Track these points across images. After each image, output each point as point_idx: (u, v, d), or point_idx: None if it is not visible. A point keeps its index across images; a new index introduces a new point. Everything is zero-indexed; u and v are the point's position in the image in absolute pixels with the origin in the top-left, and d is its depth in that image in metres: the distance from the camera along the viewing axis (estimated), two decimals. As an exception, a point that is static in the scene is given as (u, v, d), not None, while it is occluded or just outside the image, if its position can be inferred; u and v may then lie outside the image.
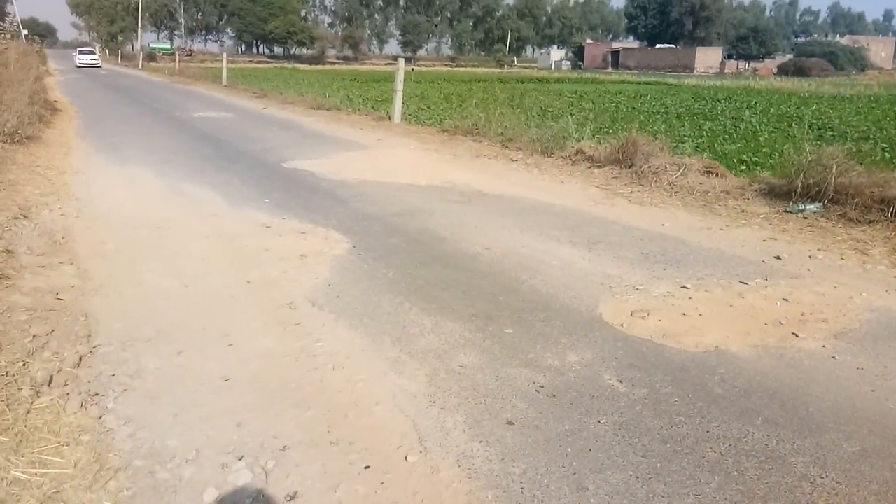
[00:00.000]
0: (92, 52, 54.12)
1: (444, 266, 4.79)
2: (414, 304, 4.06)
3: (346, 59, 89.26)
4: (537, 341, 3.54)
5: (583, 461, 2.49)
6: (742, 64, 70.59)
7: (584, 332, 3.65)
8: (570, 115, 14.62)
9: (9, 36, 14.85)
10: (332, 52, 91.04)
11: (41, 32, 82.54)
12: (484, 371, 3.20)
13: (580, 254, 5.10)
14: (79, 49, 55.76)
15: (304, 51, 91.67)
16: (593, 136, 10.83)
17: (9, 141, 8.71)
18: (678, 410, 2.85)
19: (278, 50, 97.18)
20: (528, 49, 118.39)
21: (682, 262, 4.89)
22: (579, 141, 9.85)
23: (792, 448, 2.57)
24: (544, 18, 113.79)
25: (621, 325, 3.75)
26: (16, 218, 5.53)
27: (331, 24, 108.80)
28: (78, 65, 47.64)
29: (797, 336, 3.60)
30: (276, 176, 8.17)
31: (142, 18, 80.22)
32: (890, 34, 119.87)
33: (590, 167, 8.62)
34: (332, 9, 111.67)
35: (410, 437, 2.66)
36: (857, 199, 5.93)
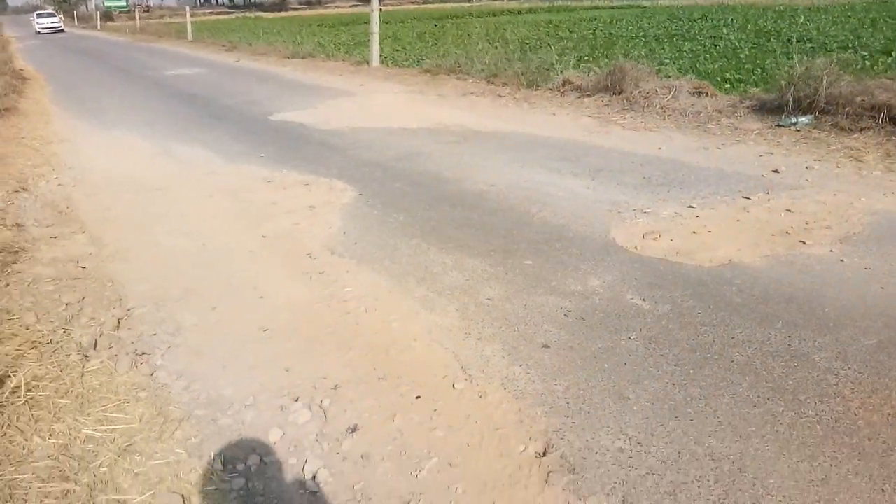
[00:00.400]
0: (52, 15, 48.46)
1: (452, 206, 4.86)
2: (431, 244, 4.15)
3: (309, 4, 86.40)
4: (557, 269, 3.65)
5: (620, 374, 2.64)
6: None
7: (601, 257, 3.78)
8: (550, 45, 14.45)
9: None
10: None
11: (-11, -1, 78.75)
12: (512, 301, 3.32)
13: (584, 183, 5.18)
14: (37, 13, 50.02)
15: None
16: (577, 65, 10.76)
17: (-14, 114, 8.50)
18: (702, 321, 3.00)
19: (238, 0, 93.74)
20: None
21: (685, 183, 5.00)
22: (562, 72, 9.79)
23: (813, 346, 2.73)
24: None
25: (635, 248, 3.88)
26: (16, 191, 5.48)
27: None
28: (38, 30, 43.47)
29: (805, 243, 3.75)
30: (265, 130, 8.09)
31: (92, -24, 76.71)
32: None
33: (579, 97, 8.61)
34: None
35: (453, 367, 2.79)
36: (847, 109, 6.03)
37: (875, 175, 4.86)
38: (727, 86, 8.98)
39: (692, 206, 4.47)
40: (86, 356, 2.95)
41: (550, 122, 7.66)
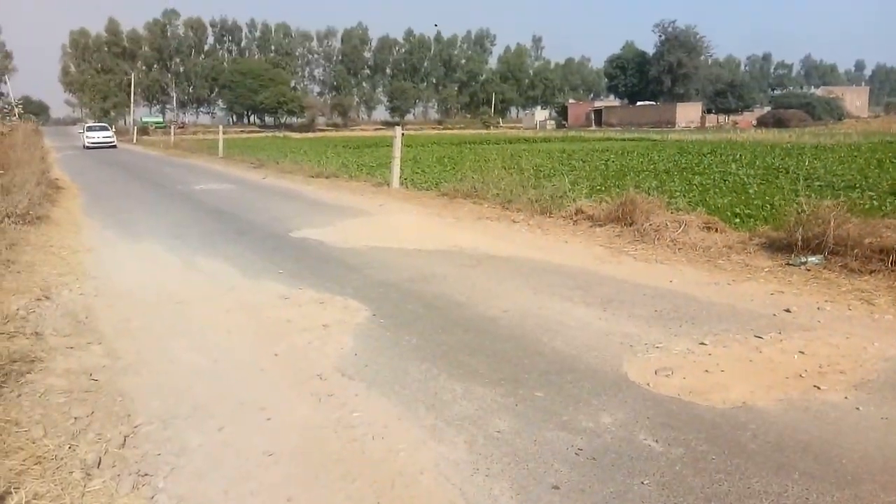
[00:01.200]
0: (105, 129, 43.97)
1: (465, 330, 4.90)
2: (441, 370, 4.15)
3: (336, 126, 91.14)
4: (569, 403, 3.62)
5: (632, 522, 2.55)
6: (722, 118, 72.67)
7: (614, 393, 3.75)
8: (564, 174, 15.02)
9: (11, 117, 15.21)
10: (321, 120, 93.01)
11: (34, 110, 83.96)
12: (521, 435, 3.27)
13: (596, 314, 5.23)
14: (87, 126, 45.38)
15: (295, 119, 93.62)
16: (590, 194, 11.13)
17: (21, 222, 8.85)
18: (717, 468, 2.93)
19: (268, 119, 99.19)
20: (513, 110, 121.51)
21: (696, 319, 5.03)
22: (576, 200, 10.11)
23: (832, 501, 2.64)
24: (527, 81, 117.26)
25: (648, 384, 3.85)
26: (38, 299, 5.61)
27: (320, 93, 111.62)
28: (87, 144, 39.49)
29: (819, 388, 3.71)
30: (286, 246, 8.33)
31: (134, 94, 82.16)
32: (863, 83, 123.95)
33: (591, 226, 8.85)
34: (321, 78, 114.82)
35: (460, 505, 2.71)
36: (856, 250, 6.13)
37: (887, 319, 4.86)
38: (737, 220, 9.21)
39: (704, 343, 4.47)
40: (88, 474, 2.91)
41: (563, 249, 7.84)
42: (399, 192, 13.72)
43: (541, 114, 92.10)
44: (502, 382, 3.93)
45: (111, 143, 41.25)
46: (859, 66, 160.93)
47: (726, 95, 76.63)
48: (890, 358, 4.12)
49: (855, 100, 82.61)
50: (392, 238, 8.71)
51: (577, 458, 3.05)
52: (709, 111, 74.52)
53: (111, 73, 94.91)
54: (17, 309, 5.16)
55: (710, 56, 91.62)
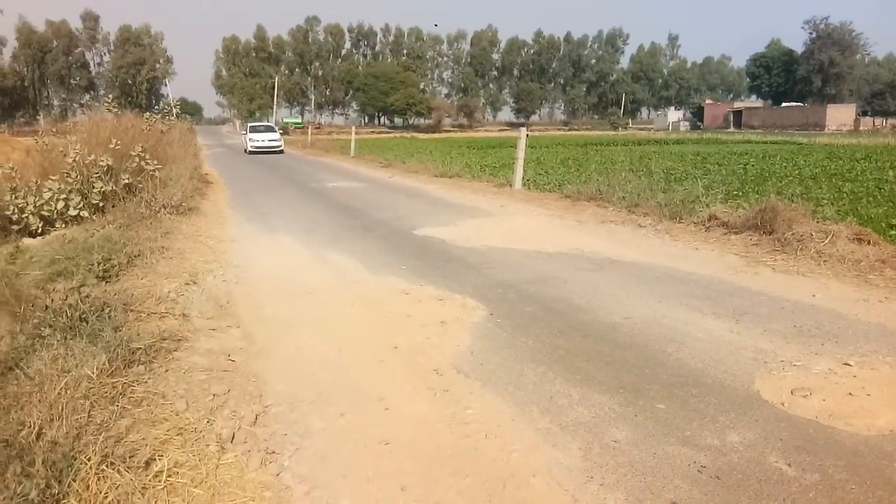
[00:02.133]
0: (272, 130, 36.08)
1: (583, 336, 4.80)
2: (557, 374, 4.09)
3: (461, 127, 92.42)
4: (692, 418, 3.45)
5: (758, 550, 2.38)
6: (879, 120, 65.97)
7: (743, 410, 3.52)
8: (696, 178, 14.29)
9: (170, 117, 16.79)
10: (447, 121, 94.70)
11: (189, 111, 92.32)
12: (640, 447, 3.15)
13: (726, 326, 4.93)
14: (251, 125, 37.78)
15: (422, 120, 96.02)
16: (725, 200, 10.51)
17: (175, 212, 9.75)
18: (857, 499, 2.67)
19: (398, 120, 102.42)
20: (644, 111, 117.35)
21: (841, 337, 4.60)
22: (709, 206, 9.58)
23: None
24: (660, 81, 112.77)
25: (782, 404, 3.58)
26: (186, 284, 6.14)
27: (447, 95, 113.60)
28: (251, 149, 32.65)
29: None
30: (409, 243, 8.56)
31: (277, 96, 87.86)
32: None
33: (725, 234, 8.35)
34: (449, 80, 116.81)
35: (571, 511, 2.66)
36: None
37: None
38: (893, 232, 8.34)
39: (849, 364, 4.08)
40: (223, 448, 3.15)
41: (693, 256, 7.46)
42: (521, 194, 13.67)
43: (674, 115, 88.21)
44: (621, 391, 3.81)
45: (278, 147, 33.24)
46: None
47: (885, 97, 69.56)
48: None
49: None
50: (512, 239, 8.70)
51: (698, 476, 2.89)
52: (864, 113, 67.97)
53: (257, 77, 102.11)
54: (168, 292, 5.69)
55: (868, 54, 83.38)
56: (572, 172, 18.06)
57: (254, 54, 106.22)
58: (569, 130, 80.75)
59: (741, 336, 4.70)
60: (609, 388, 3.86)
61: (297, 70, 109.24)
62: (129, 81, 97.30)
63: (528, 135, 15.68)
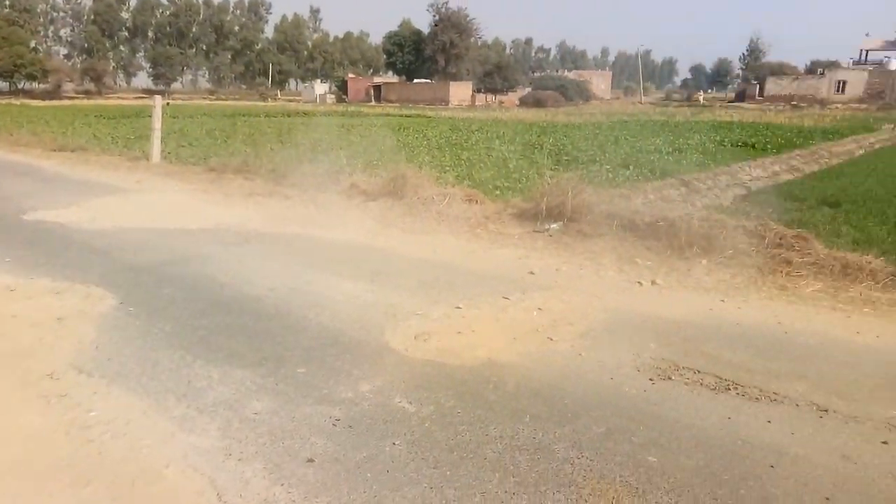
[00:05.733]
0: None
1: (226, 312, 4.69)
2: (197, 356, 3.93)
3: (88, 94, 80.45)
4: (330, 376, 3.66)
5: (382, 483, 2.66)
6: (490, 97, 77.68)
7: (374, 361, 3.86)
8: (341, 149, 14.99)
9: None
10: (69, 86, 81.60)
11: None
12: (279, 414, 3.23)
13: (364, 286, 5.33)
14: None
15: (36, 85, 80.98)
16: (365, 169, 11.24)
17: None
18: (461, 420, 3.17)
19: (2, 84, 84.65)
20: (292, 82, 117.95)
21: (455, 285, 5.36)
22: (351, 175, 10.16)
23: (554, 437, 3.01)
24: (305, 53, 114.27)
25: (406, 350, 4.03)
26: None
27: (67, 56, 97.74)
28: None
29: (552, 340, 4.18)
30: (15, 230, 7.23)
31: None
32: (606, 68, 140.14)
33: (365, 200, 8.95)
34: (69, 39, 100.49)
35: (208, 494, 2.61)
36: (588, 217, 6.98)
37: (610, 276, 5.63)
38: (497, 192, 9.95)
39: (459, 307, 4.79)
40: None
41: (336, 224, 7.83)
42: (161, 167, 12.62)
43: (321, 87, 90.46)
44: (263, 362, 3.84)
45: None
46: (605, 52, 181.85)
47: (493, 76, 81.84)
48: (609, 309, 4.78)
49: (600, 83, 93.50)
50: (149, 217, 8.00)
51: (333, 429, 3.09)
52: (479, 91, 79.12)
53: None
54: None
55: (480, 38, 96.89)
56: (219, 144, 17.28)
57: None
58: (216, 100, 76.80)
59: (376, 294, 5.13)
60: (251, 361, 3.85)
61: None
62: None
63: (168, 103, 14.52)
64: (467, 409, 3.28)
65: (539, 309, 4.74)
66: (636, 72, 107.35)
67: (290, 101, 78.53)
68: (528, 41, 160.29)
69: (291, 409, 3.28)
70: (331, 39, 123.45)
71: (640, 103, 65.25)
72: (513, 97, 73.92)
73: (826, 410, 3.28)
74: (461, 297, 5.04)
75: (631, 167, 12.74)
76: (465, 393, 3.46)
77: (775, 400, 3.39)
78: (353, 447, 2.93)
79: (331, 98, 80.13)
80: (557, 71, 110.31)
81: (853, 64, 68.59)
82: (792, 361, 3.88)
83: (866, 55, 70.37)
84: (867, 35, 71.89)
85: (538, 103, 60.02)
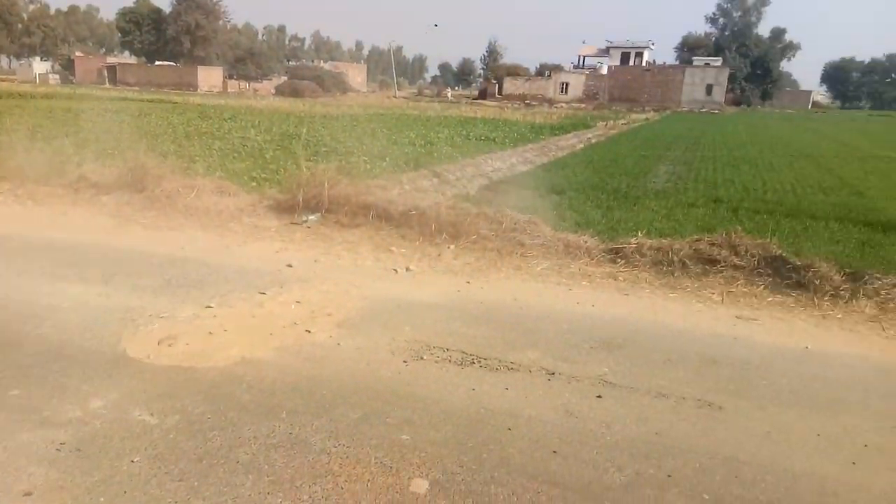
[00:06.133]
0: None
1: None
2: None
3: None
4: (53, 395, 3.21)
5: (119, 506, 2.41)
6: (243, 84, 74.26)
7: (108, 373, 3.47)
8: (67, 136, 13.19)
9: None
10: None
11: None
12: None
13: (96, 290, 4.75)
14: None
15: None
16: (97, 159, 10.02)
17: None
18: (211, 426, 3.00)
19: None
20: (3, 59, 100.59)
21: (205, 283, 5.04)
22: (80, 166, 8.98)
23: (311, 429, 3.00)
24: (20, 26, 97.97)
25: (148, 357, 3.69)
26: None
27: None
28: None
29: (309, 332, 4.15)
30: None
31: None
32: (361, 61, 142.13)
33: (97, 194, 7.97)
34: None
35: None
36: (346, 207, 7.04)
37: (367, 265, 5.75)
38: (253, 184, 9.55)
39: (210, 306, 4.51)
40: None
41: (60, 221, 6.88)
42: None
43: (41, 66, 78.36)
44: (-37, 389, 3.23)
45: None
46: (359, 45, 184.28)
47: (246, 63, 78.52)
48: (366, 297, 4.88)
49: (356, 75, 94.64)
50: None
51: (58, 454, 2.72)
52: (230, 77, 75.25)
53: None
54: None
55: (229, 22, 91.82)
56: None
57: None
58: None
59: (110, 298, 4.61)
60: (-55, 388, 3.22)
61: None
62: None
63: None
64: (218, 413, 3.11)
65: (297, 302, 4.67)
66: (389, 66, 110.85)
67: (3, 80, 67.08)
68: (282, 28, 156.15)
69: (3, 439, 2.81)
70: (52, 12, 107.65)
71: (395, 97, 67.47)
72: (268, 85, 71.65)
73: (553, 373, 3.73)
74: (212, 295, 4.76)
75: (387, 159, 13.11)
76: (216, 396, 3.28)
77: (512, 368, 3.76)
78: (81, 472, 2.61)
79: (54, 78, 70.08)
80: (313, 61, 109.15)
81: (573, 68, 78.35)
82: (526, 333, 4.33)
83: (583, 60, 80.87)
84: (584, 42, 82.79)
85: (295, 93, 58.94)
